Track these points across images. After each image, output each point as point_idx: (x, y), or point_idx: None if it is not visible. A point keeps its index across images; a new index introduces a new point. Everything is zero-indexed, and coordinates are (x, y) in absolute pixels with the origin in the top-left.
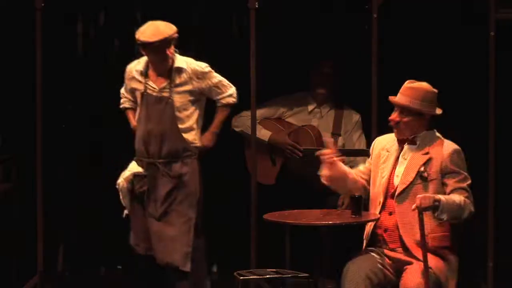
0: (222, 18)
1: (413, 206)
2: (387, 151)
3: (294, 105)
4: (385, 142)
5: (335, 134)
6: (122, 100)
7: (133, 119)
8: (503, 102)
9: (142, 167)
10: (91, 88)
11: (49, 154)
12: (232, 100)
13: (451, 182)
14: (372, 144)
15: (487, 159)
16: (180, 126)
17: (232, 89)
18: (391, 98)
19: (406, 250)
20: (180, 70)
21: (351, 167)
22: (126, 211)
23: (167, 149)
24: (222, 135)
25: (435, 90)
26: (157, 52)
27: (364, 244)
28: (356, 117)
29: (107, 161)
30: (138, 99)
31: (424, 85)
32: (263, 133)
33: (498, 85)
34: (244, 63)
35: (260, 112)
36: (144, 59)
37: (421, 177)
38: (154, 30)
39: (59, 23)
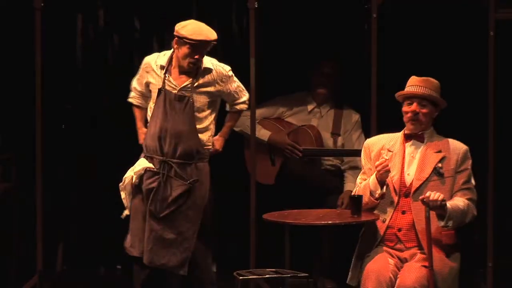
0: (221, 18)
1: (421, 197)
2: (389, 150)
3: (293, 105)
4: (383, 142)
5: (335, 134)
6: (131, 94)
7: (139, 120)
8: (503, 102)
9: (154, 164)
10: (90, 88)
11: (49, 153)
12: (245, 106)
13: (459, 182)
14: (365, 147)
15: (487, 158)
16: (197, 126)
17: (246, 96)
18: (403, 92)
19: (423, 249)
20: (207, 71)
21: (351, 167)
22: (126, 211)
23: (181, 150)
24: None
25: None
26: (205, 50)
27: (360, 241)
28: (356, 117)
29: (107, 161)
30: (154, 94)
31: (431, 78)
32: (263, 133)
33: (497, 85)
34: (244, 63)
35: (260, 112)
36: (167, 54)
37: (438, 174)
38: (208, 28)
39: (58, 23)
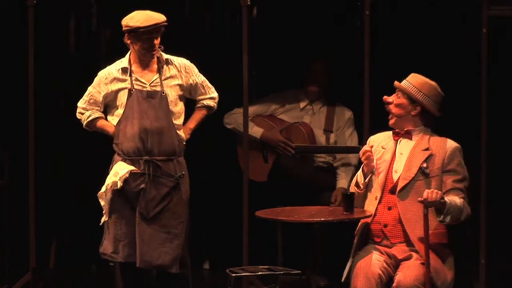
0: (214, 15)
1: (420, 198)
2: (383, 147)
3: (286, 102)
4: (380, 139)
5: (327, 131)
6: (87, 114)
7: (109, 126)
8: (496, 99)
9: (136, 166)
10: (84, 85)
11: (42, 151)
12: (213, 103)
13: (449, 181)
14: (367, 143)
15: (479, 155)
16: (175, 122)
17: (215, 93)
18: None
19: (411, 245)
20: (169, 62)
21: (343, 164)
22: (105, 218)
23: (165, 146)
24: (213, 133)
25: (440, 91)
26: (154, 37)
27: (356, 240)
28: (349, 114)
29: (100, 160)
30: (122, 99)
31: (429, 80)
32: (255, 130)
33: (490, 82)
34: (237, 60)
35: (252, 109)
36: (123, 59)
37: (423, 173)
38: (155, 13)
39: (51, 20)
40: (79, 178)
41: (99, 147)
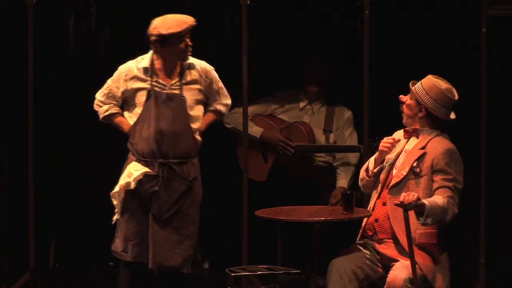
0: (214, 14)
1: (396, 202)
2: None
3: (285, 102)
4: (398, 135)
5: (327, 130)
6: (104, 108)
7: (125, 123)
8: (495, 99)
9: (151, 168)
10: (84, 85)
11: (42, 150)
12: (224, 109)
13: (437, 179)
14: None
15: (479, 155)
16: (192, 126)
17: (229, 101)
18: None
19: (397, 243)
20: (191, 66)
21: (343, 163)
22: (116, 216)
23: (180, 149)
24: (213, 132)
25: (450, 95)
26: (187, 40)
27: (360, 234)
28: (348, 113)
29: (100, 159)
30: (141, 99)
31: (442, 83)
32: (255, 130)
33: (489, 82)
34: (236, 60)
35: (252, 109)
36: (145, 57)
37: (414, 173)
38: (182, 15)
39: (51, 20)
40: (79, 178)
41: (99, 147)
